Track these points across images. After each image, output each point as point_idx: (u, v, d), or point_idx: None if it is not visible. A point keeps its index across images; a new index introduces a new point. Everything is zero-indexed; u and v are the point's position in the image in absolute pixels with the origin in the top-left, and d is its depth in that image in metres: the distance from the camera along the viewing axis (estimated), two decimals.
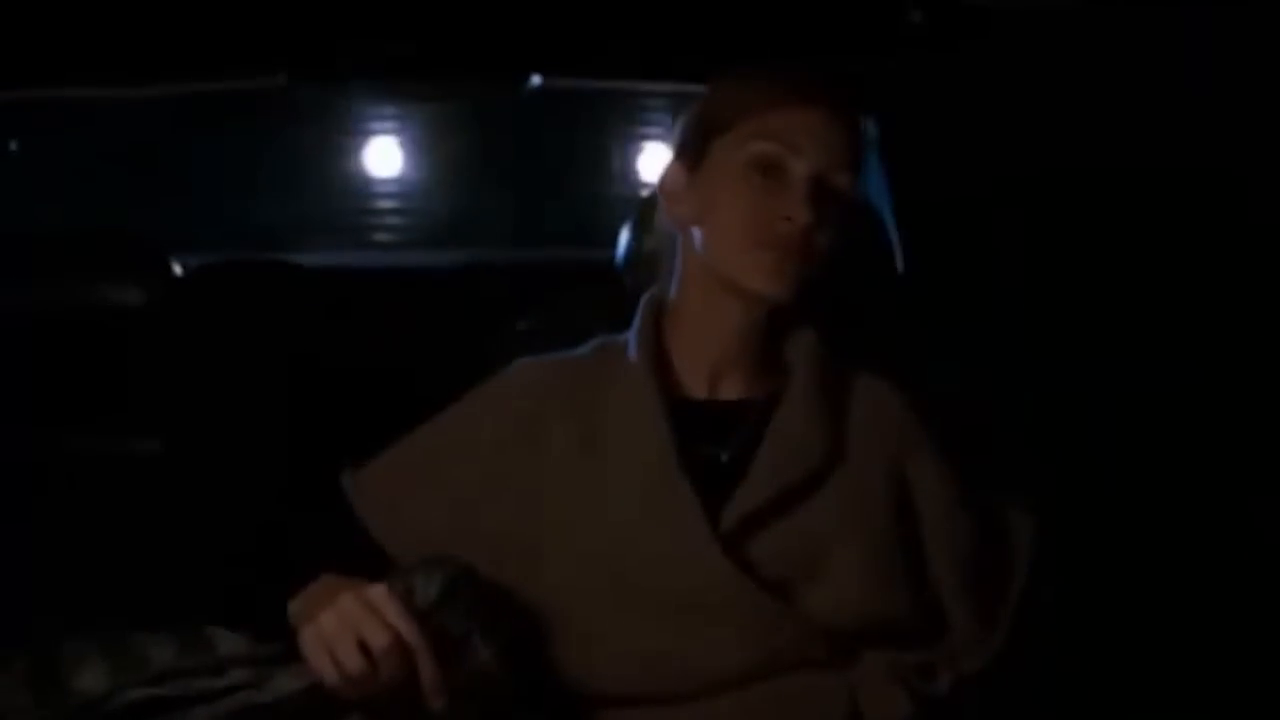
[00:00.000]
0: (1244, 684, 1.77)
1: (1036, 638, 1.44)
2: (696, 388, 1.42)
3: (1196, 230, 2.20)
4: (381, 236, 3.33)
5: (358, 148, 3.29)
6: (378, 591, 1.17)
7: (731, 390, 1.42)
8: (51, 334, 1.89)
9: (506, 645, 1.25)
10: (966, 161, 2.26)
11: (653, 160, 2.90)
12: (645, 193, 1.57)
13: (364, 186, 3.30)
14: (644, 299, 1.46)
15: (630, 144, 3.07)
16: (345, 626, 1.15)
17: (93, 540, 1.83)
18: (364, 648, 1.14)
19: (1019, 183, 2.29)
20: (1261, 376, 2.10)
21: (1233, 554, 1.96)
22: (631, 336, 1.43)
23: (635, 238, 1.59)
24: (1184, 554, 1.95)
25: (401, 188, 3.32)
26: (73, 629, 1.17)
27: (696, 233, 1.40)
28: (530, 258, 2.92)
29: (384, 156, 3.30)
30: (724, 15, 2.07)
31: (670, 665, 1.31)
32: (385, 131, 3.28)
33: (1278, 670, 1.78)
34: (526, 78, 2.21)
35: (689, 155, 1.41)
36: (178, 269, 2.06)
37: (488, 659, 1.22)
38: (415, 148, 3.32)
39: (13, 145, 2.87)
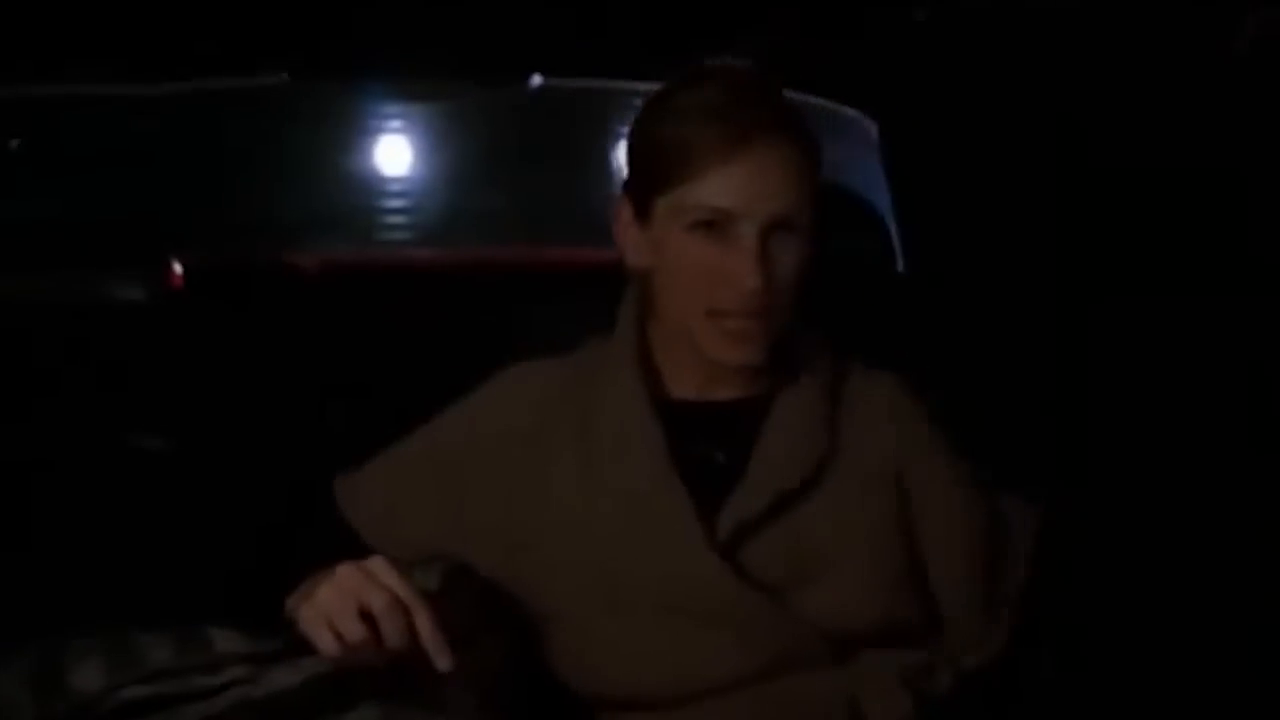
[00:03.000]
0: (1251, 682, 1.77)
1: (1039, 634, 1.44)
2: (688, 389, 1.40)
3: (1205, 228, 2.20)
4: (384, 234, 3.33)
5: (359, 145, 3.28)
6: (375, 560, 1.17)
7: (726, 391, 1.40)
8: (54, 329, 1.90)
9: (505, 642, 1.25)
10: (968, 160, 2.26)
11: None
12: None
13: (366, 184, 3.30)
14: (624, 301, 1.42)
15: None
16: (345, 596, 1.14)
17: (94, 537, 1.84)
18: (364, 615, 1.14)
19: (1021, 180, 2.29)
20: (1268, 373, 2.10)
21: (1239, 549, 1.95)
22: (617, 336, 1.41)
23: None
24: (1190, 550, 1.94)
25: (405, 186, 3.32)
26: (75, 627, 1.17)
27: (654, 280, 1.35)
28: (534, 256, 2.92)
29: (387, 154, 3.30)
30: (726, 13, 2.07)
31: (669, 669, 1.30)
32: (388, 130, 3.28)
33: None
34: (528, 77, 2.21)
35: (636, 202, 1.35)
36: (179, 266, 2.07)
37: (488, 651, 1.22)
38: (419, 146, 3.32)
39: (13, 143, 2.88)
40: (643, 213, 1.34)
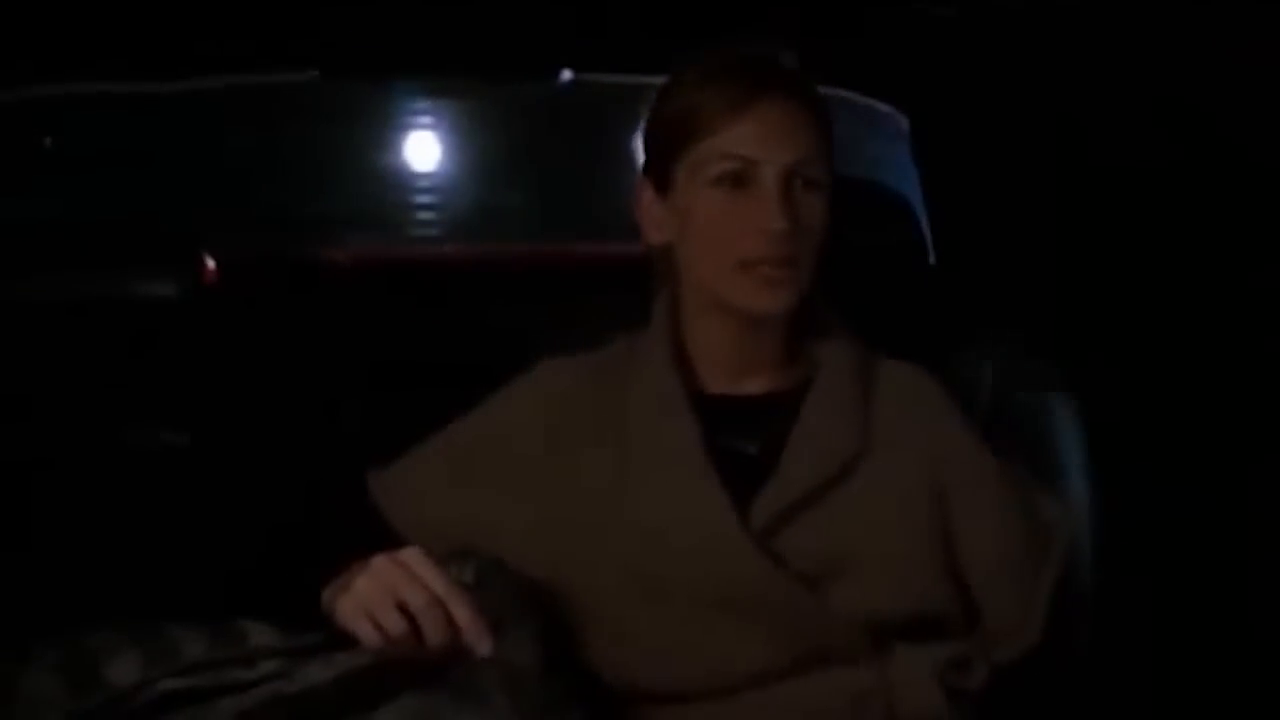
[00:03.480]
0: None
1: (1073, 629, 1.43)
2: (720, 382, 1.41)
3: (1221, 227, 2.19)
4: (414, 230, 3.34)
5: (389, 141, 3.30)
6: (410, 551, 1.17)
7: (757, 384, 1.41)
8: (84, 326, 1.90)
9: (539, 634, 1.25)
10: (999, 154, 2.25)
11: None
12: None
13: (396, 180, 3.31)
14: (660, 296, 1.45)
15: None
16: (383, 589, 1.14)
17: (122, 533, 1.84)
18: (403, 609, 1.14)
19: (1051, 176, 2.28)
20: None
21: (1269, 546, 1.94)
22: (651, 332, 1.43)
23: None
24: (1219, 547, 1.93)
25: (434, 181, 3.33)
26: (102, 621, 1.17)
27: (680, 252, 1.39)
28: (563, 252, 2.92)
29: (416, 150, 3.31)
30: (750, 7, 2.07)
31: (702, 662, 1.31)
32: (418, 126, 3.29)
33: None
34: (558, 72, 2.21)
35: (655, 178, 1.39)
36: (211, 262, 2.07)
37: (520, 648, 1.22)
38: (447, 142, 3.33)
39: (48, 140, 2.89)
40: (663, 185, 1.38)
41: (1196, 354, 2.12)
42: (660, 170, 1.38)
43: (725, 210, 1.33)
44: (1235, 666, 1.74)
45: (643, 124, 1.41)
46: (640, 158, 1.44)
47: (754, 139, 1.32)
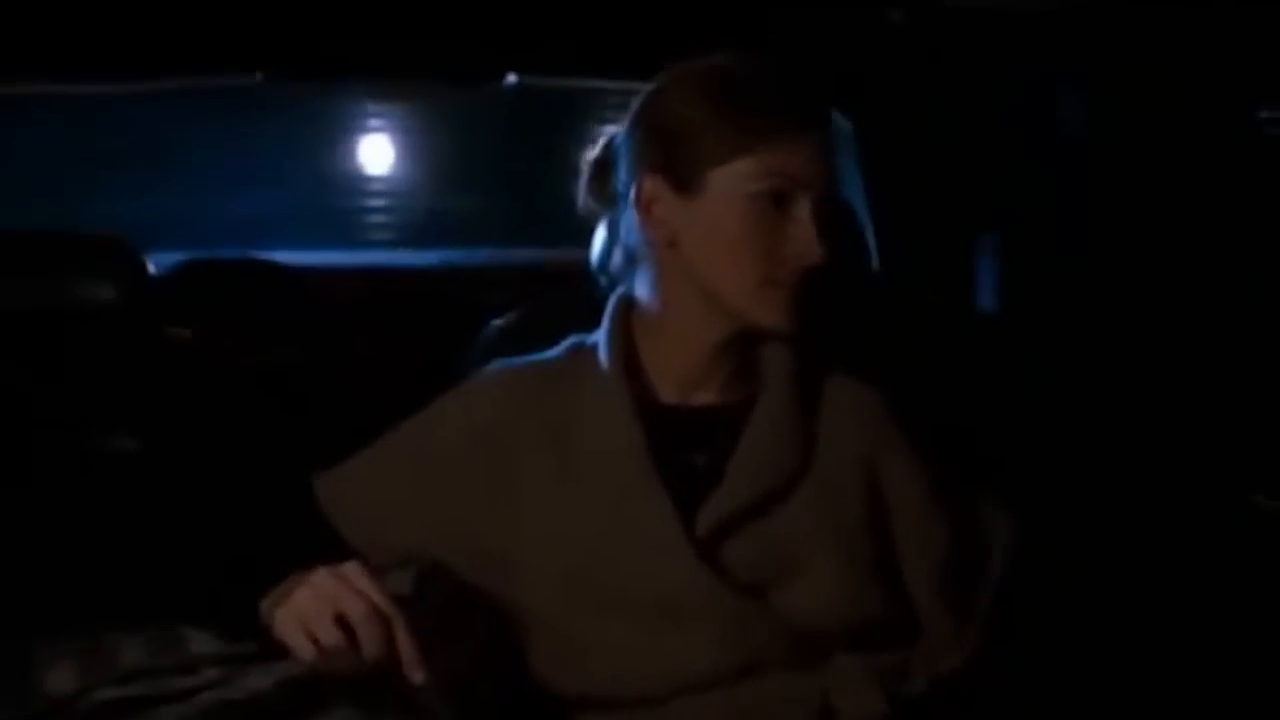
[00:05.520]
0: (1222, 686, 1.77)
1: (1013, 636, 1.44)
2: (670, 393, 1.40)
3: (1193, 231, 2.20)
4: (361, 235, 3.32)
5: (337, 145, 3.28)
6: (350, 565, 1.16)
7: (706, 396, 1.41)
8: (25, 332, 1.88)
9: (480, 644, 1.25)
10: (944, 161, 2.27)
11: None
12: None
13: (344, 183, 3.30)
14: (612, 300, 1.43)
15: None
16: (321, 601, 1.14)
17: (66, 539, 1.82)
18: (340, 622, 1.13)
19: (994, 180, 2.30)
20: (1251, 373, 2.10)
21: (1216, 553, 1.96)
22: (601, 340, 1.41)
23: (609, 239, 1.58)
24: (1164, 552, 1.95)
25: (385, 185, 3.32)
26: (44, 629, 1.16)
27: (684, 253, 1.36)
28: (514, 257, 2.92)
29: (363, 154, 3.29)
30: (703, 13, 2.07)
31: (647, 668, 1.31)
32: (366, 130, 3.27)
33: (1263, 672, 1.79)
34: (503, 76, 2.20)
35: (676, 177, 1.35)
36: (152, 267, 2.05)
37: (461, 657, 1.21)
38: (398, 146, 3.31)
39: None
40: (686, 187, 1.35)
41: (1144, 354, 2.14)
42: (686, 171, 1.35)
43: (762, 227, 1.33)
44: (1173, 674, 1.76)
45: (594, 132, 1.40)
46: (584, 163, 1.43)
47: (805, 163, 1.32)
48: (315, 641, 1.13)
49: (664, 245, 1.37)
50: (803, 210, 1.32)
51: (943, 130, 2.25)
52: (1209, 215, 2.15)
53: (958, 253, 2.31)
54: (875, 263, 2.10)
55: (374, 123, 3.27)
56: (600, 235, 1.52)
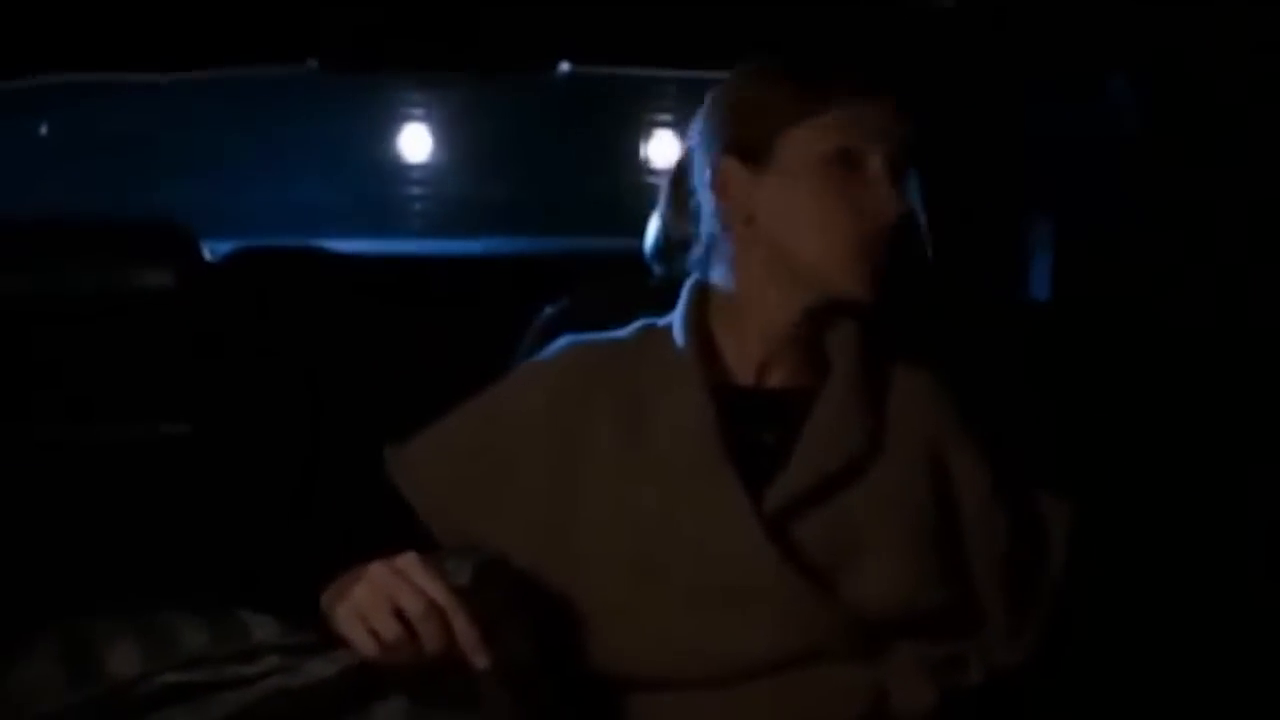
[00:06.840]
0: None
1: (1073, 630, 1.43)
2: (743, 375, 1.41)
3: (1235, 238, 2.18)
4: (411, 223, 3.34)
5: (388, 133, 3.29)
6: (407, 558, 1.16)
7: (777, 379, 1.41)
8: (84, 319, 1.90)
9: (538, 630, 1.25)
10: (1000, 153, 2.25)
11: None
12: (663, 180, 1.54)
13: (394, 172, 3.31)
14: (688, 285, 1.44)
15: (659, 131, 3.07)
16: (379, 595, 1.14)
17: (122, 524, 1.84)
18: (400, 616, 1.14)
19: (1048, 168, 2.28)
20: None
21: (1273, 548, 1.94)
22: (676, 322, 1.42)
23: (664, 226, 1.58)
24: (1220, 548, 1.93)
25: (430, 174, 3.33)
26: (101, 610, 1.17)
27: (763, 228, 1.37)
28: (559, 245, 2.92)
29: (414, 142, 3.30)
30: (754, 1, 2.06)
31: (704, 650, 1.31)
32: (416, 118, 3.28)
33: None
34: (556, 64, 2.20)
35: (749, 150, 1.37)
36: (208, 254, 2.07)
37: (520, 643, 1.22)
38: (445, 134, 3.32)
39: (43, 129, 2.89)
40: (756, 157, 1.36)
41: (1168, 353, 2.12)
42: (754, 144, 1.36)
43: (835, 189, 1.34)
44: (1232, 670, 1.75)
45: (647, 120, 1.40)
46: (638, 152, 1.43)
47: (872, 122, 1.34)
48: (376, 636, 1.13)
49: (741, 223, 1.38)
50: (876, 167, 1.34)
51: (989, 119, 2.23)
52: (1268, 212, 2.13)
53: (1008, 241, 2.30)
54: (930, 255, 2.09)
55: (417, 111, 3.28)
56: (654, 224, 1.53)
